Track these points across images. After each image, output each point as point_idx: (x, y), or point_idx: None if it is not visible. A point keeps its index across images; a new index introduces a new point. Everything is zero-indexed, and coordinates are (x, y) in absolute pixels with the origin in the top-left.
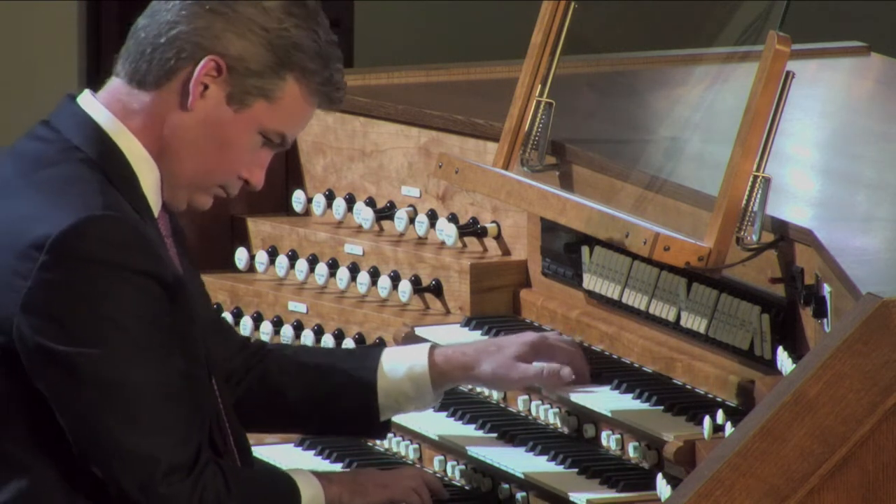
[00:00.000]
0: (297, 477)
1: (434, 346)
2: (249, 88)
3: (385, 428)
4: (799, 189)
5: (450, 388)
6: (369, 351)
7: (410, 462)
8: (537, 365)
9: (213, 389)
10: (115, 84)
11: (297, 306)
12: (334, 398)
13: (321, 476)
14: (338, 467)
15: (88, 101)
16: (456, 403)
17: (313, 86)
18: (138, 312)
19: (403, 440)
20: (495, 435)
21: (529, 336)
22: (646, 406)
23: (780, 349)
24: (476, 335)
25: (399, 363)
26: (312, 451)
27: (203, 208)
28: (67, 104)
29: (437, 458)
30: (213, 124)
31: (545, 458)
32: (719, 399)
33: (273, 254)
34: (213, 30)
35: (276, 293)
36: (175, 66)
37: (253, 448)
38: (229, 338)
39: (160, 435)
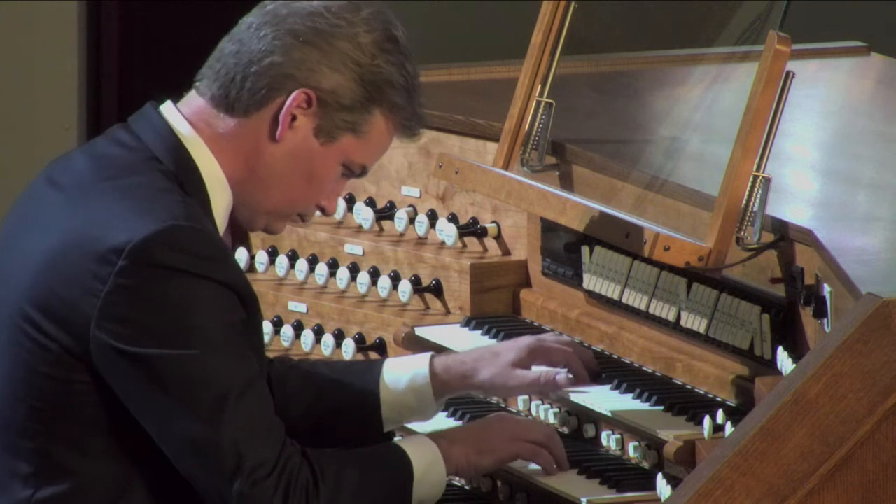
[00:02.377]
0: (410, 446)
1: (434, 356)
2: (339, 122)
3: (388, 440)
4: (799, 189)
5: (450, 396)
6: (371, 364)
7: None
8: (534, 371)
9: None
10: (200, 104)
11: (297, 306)
12: (337, 414)
13: (441, 438)
14: (450, 420)
15: (172, 114)
16: (456, 403)
17: (399, 120)
18: (216, 317)
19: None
20: None
21: (526, 340)
22: (646, 406)
23: (780, 349)
24: (476, 335)
25: (401, 375)
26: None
27: (277, 233)
28: (151, 112)
29: None
30: (300, 156)
31: None
32: (719, 399)
33: (273, 254)
34: (308, 62)
35: (276, 293)
36: (267, 97)
37: None
38: None
39: (245, 431)
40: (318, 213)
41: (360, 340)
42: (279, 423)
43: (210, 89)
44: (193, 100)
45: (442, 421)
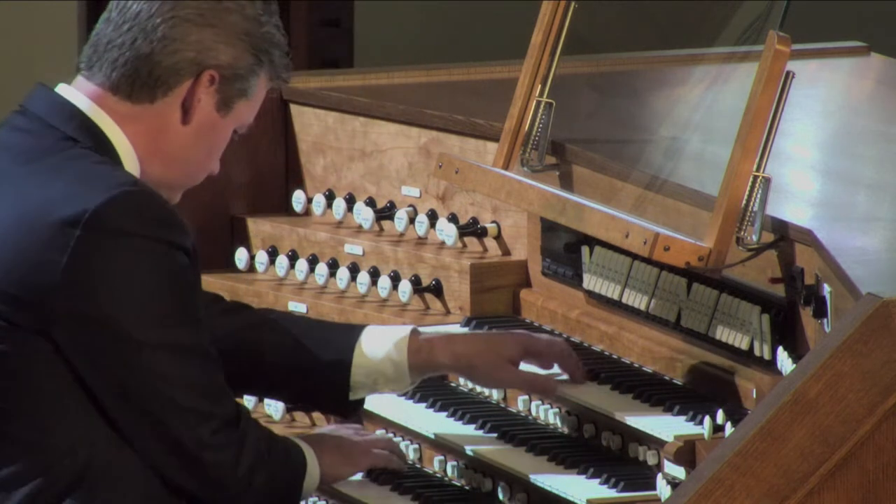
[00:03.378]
0: (300, 443)
1: (416, 330)
2: (235, 92)
3: (356, 406)
4: (799, 189)
5: (431, 374)
6: (352, 327)
7: (411, 462)
8: (523, 371)
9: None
10: (94, 88)
11: (297, 306)
12: (307, 370)
13: (313, 443)
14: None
15: (70, 93)
16: (456, 403)
17: (277, 73)
18: (176, 281)
19: (403, 440)
20: (495, 435)
21: (520, 336)
22: (646, 406)
23: (780, 349)
24: None
25: (380, 343)
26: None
27: (173, 202)
28: (50, 94)
29: (437, 458)
30: (206, 132)
31: (545, 457)
32: (719, 399)
33: (273, 254)
34: (205, 42)
35: (276, 293)
36: (173, 83)
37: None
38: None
39: (206, 391)
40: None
41: None
42: (228, 388)
43: (107, 77)
44: (85, 84)
45: (442, 420)
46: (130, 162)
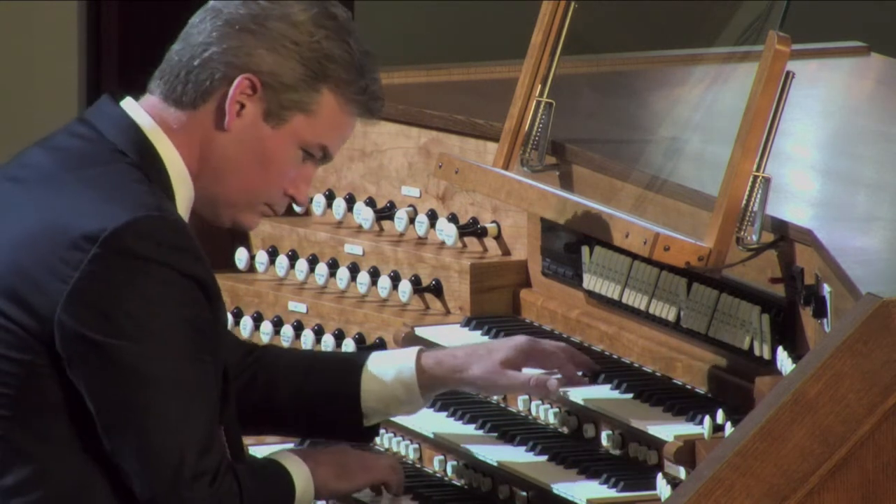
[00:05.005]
0: (288, 462)
1: (422, 350)
2: (286, 103)
3: (372, 433)
4: (799, 189)
5: (441, 391)
6: (357, 355)
7: (411, 462)
8: (526, 373)
9: (231, 393)
10: (153, 100)
11: (297, 306)
12: (320, 402)
13: (308, 457)
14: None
15: (132, 107)
16: (456, 403)
17: (349, 96)
18: (182, 314)
19: (403, 440)
20: (495, 435)
21: (520, 340)
22: (646, 406)
23: (780, 349)
24: (476, 335)
25: (387, 367)
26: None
27: (250, 228)
28: (110, 106)
29: (437, 458)
30: (252, 142)
31: (545, 457)
32: (719, 399)
33: (273, 254)
34: (245, 48)
35: (276, 293)
36: (210, 87)
37: None
38: (230, 339)
39: (189, 435)
40: (289, 200)
41: (360, 340)
42: (221, 433)
43: (159, 87)
44: (147, 98)
45: (442, 420)
46: (182, 180)
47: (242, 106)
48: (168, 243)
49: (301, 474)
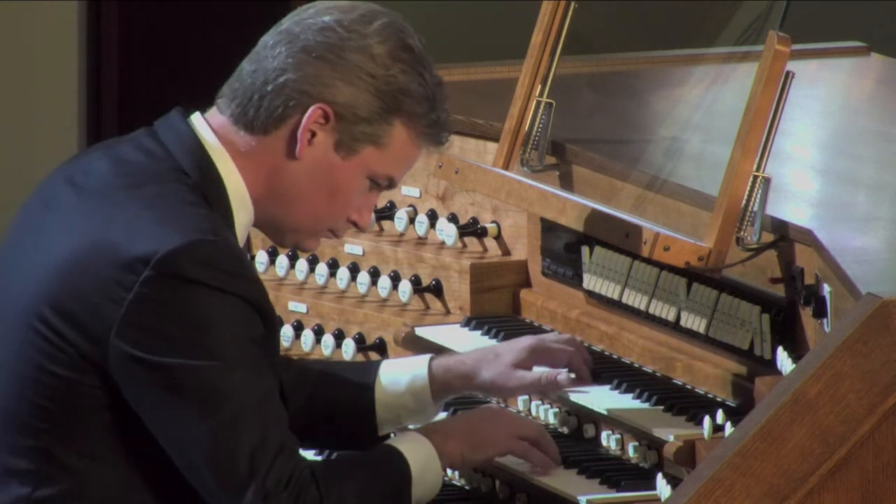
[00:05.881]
0: (405, 445)
1: (433, 358)
2: (358, 135)
3: (385, 440)
4: (799, 189)
5: (450, 398)
6: (368, 365)
7: None
8: (535, 372)
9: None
10: (222, 120)
11: (297, 306)
12: (331, 414)
13: (435, 433)
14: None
15: (201, 124)
16: (456, 403)
17: (420, 129)
18: (237, 331)
19: None
20: None
21: (527, 341)
22: (646, 406)
23: (780, 349)
24: (476, 335)
25: (399, 376)
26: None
27: (312, 250)
28: (179, 121)
29: None
30: (322, 171)
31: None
32: (719, 399)
33: (273, 254)
34: (322, 78)
35: (276, 293)
36: (283, 114)
37: None
38: None
39: (259, 443)
40: (351, 227)
41: (360, 340)
42: (293, 438)
43: (229, 107)
44: (216, 116)
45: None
46: (241, 204)
47: (314, 134)
48: (221, 268)
49: (421, 454)
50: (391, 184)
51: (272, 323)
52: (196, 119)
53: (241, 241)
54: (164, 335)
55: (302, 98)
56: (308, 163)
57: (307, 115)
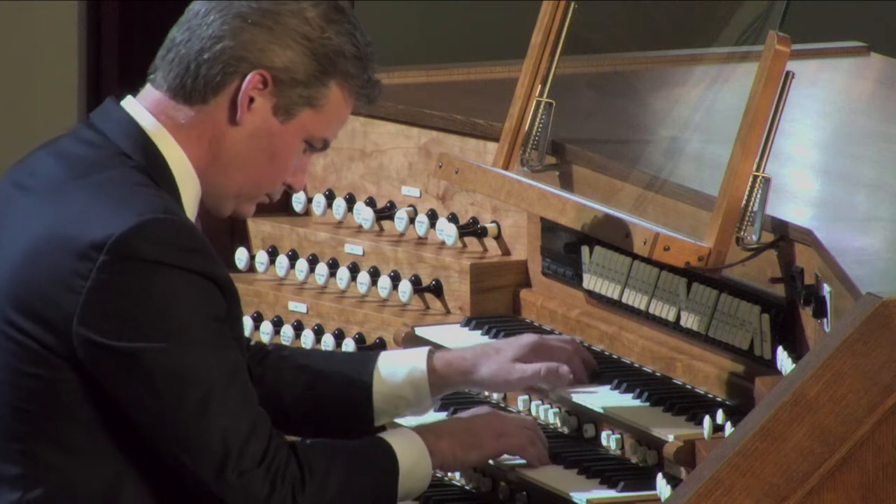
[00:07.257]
0: (396, 440)
1: (432, 351)
2: (296, 99)
3: (380, 431)
4: (799, 189)
5: (449, 392)
6: (367, 355)
7: None
8: (536, 365)
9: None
10: (158, 96)
11: (297, 306)
12: (329, 402)
13: (428, 432)
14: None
15: (135, 108)
16: (456, 403)
17: (355, 88)
18: (198, 308)
19: None
20: None
21: (528, 338)
22: (646, 406)
23: (780, 349)
24: (476, 335)
25: (397, 368)
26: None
27: (247, 216)
28: (114, 108)
29: None
30: (262, 136)
31: None
32: (719, 399)
33: (273, 254)
34: (258, 43)
35: (276, 293)
36: (222, 82)
37: None
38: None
39: (232, 423)
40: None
41: (360, 340)
42: (264, 414)
43: (166, 80)
44: (151, 93)
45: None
46: (188, 179)
47: (252, 100)
48: (176, 245)
49: (411, 450)
50: (325, 145)
51: (234, 297)
52: (128, 103)
53: (192, 215)
54: (126, 319)
55: (240, 65)
56: (248, 129)
57: (246, 81)
